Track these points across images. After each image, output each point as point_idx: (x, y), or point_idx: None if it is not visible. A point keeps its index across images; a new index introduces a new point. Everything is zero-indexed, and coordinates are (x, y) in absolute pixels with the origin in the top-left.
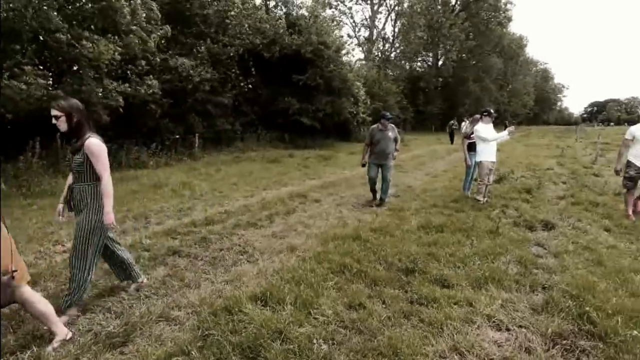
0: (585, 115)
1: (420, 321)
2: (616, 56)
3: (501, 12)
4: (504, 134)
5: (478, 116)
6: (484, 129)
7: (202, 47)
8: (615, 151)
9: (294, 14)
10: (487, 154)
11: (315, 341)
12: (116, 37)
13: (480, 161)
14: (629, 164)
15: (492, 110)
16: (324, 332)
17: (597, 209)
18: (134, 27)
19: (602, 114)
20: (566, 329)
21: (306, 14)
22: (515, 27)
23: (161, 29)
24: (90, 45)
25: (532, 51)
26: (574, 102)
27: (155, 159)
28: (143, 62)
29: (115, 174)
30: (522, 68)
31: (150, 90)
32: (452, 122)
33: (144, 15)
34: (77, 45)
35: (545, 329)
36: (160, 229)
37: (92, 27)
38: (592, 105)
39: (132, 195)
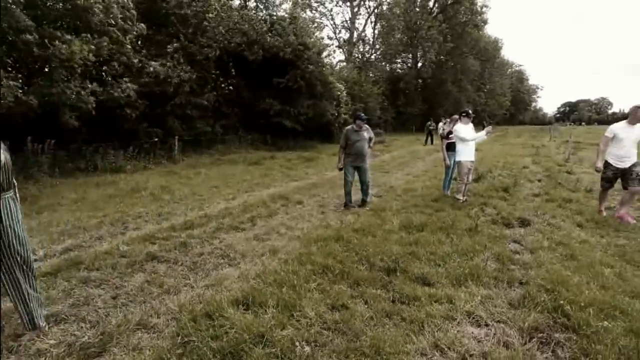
0: (558, 115)
1: (402, 320)
2: (586, 59)
3: (477, 15)
4: (482, 134)
5: (456, 117)
6: (463, 130)
7: (177, 46)
8: (586, 150)
9: (274, 16)
10: (466, 153)
11: (297, 344)
12: (89, 36)
13: (460, 161)
14: (607, 165)
15: (470, 111)
16: (307, 334)
17: (570, 205)
18: (110, 28)
19: (574, 113)
20: (542, 322)
21: (285, 15)
22: (491, 30)
23: (135, 30)
24: (63, 45)
25: (508, 53)
26: (548, 103)
27: (133, 162)
28: (116, 64)
29: (91, 178)
30: (498, 70)
31: (126, 93)
32: (429, 122)
33: (119, 14)
34: (49, 45)
35: (522, 323)
36: (138, 234)
37: (64, 26)
38: (565, 105)
39: (108, 200)
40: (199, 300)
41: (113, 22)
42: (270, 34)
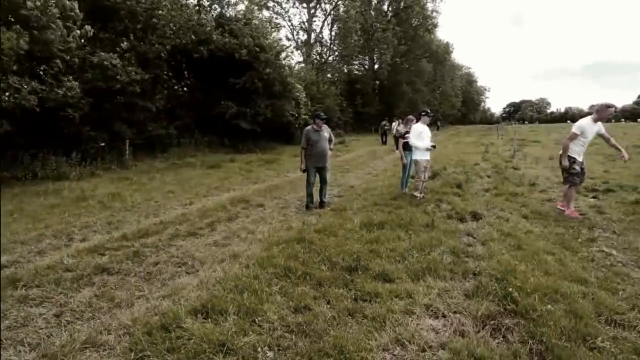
0: (504, 115)
1: (364, 317)
2: (527, 62)
3: (428, 19)
4: (427, 145)
5: (412, 117)
6: (413, 134)
7: (126, 45)
8: (529, 147)
9: (228, 15)
10: (422, 152)
11: (260, 349)
12: (19, 28)
13: (417, 160)
14: (573, 160)
15: (429, 111)
16: (270, 339)
17: (516, 198)
18: (52, 24)
19: (518, 113)
20: (493, 310)
21: (240, 15)
22: (441, 34)
23: (81, 28)
24: None
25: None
26: (495, 103)
27: (79, 169)
28: (59, 62)
29: (30, 187)
30: (449, 72)
31: (70, 93)
32: (384, 122)
33: (58, 11)
34: None
35: (476, 312)
36: (85, 246)
37: None
38: (510, 105)
39: (50, 210)
40: (154, 312)
41: (54, 19)
42: (222, 35)
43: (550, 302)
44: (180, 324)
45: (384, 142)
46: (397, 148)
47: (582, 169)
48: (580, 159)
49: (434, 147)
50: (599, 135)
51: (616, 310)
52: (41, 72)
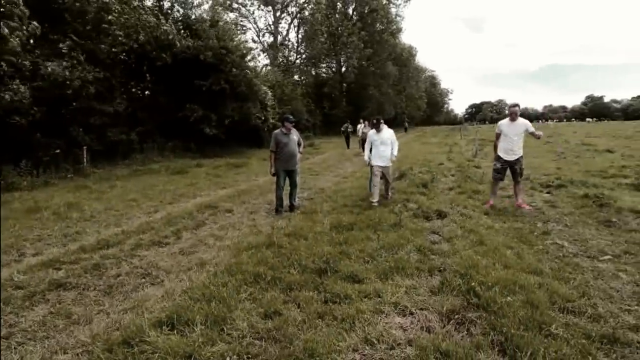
0: (467, 116)
1: (334, 319)
2: (487, 65)
3: (392, 24)
4: (381, 153)
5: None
6: (368, 139)
7: (70, 44)
8: (489, 146)
9: (192, 17)
10: (375, 158)
11: (228, 358)
12: None
13: (371, 165)
14: (497, 157)
15: (380, 119)
16: (239, 347)
17: (478, 196)
18: None
19: (479, 114)
20: (457, 304)
21: (205, 16)
22: (406, 39)
23: (25, 30)
24: None
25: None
26: (458, 105)
27: (31, 178)
28: (4, 65)
29: None
30: (413, 75)
31: (18, 97)
32: (346, 124)
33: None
34: None
35: (441, 307)
36: (38, 260)
37: None
38: (471, 107)
39: None
40: (115, 327)
41: None
42: (186, 38)
43: (509, 294)
44: (143, 337)
45: (347, 146)
46: (363, 150)
47: (506, 166)
48: (505, 156)
49: (392, 159)
50: (529, 133)
51: (568, 299)
52: None
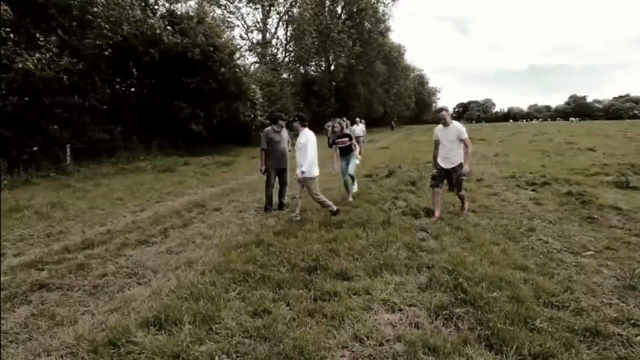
0: (454, 115)
1: (324, 316)
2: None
3: (381, 23)
4: (302, 161)
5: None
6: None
7: (54, 39)
8: (475, 144)
9: (179, 13)
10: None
11: (217, 358)
12: None
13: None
14: (435, 164)
15: (302, 115)
16: (228, 346)
17: (465, 193)
18: None
19: (466, 113)
20: (445, 300)
21: (192, 13)
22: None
23: None
24: None
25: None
26: (445, 103)
27: (12, 177)
28: None
29: None
30: (402, 74)
31: None
32: (330, 123)
33: None
34: None
35: (430, 303)
36: (20, 261)
37: None
38: (459, 106)
39: None
40: (101, 327)
41: None
42: (173, 35)
43: (495, 290)
44: (130, 338)
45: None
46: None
47: (443, 173)
48: (442, 163)
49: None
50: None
51: (552, 293)
52: None
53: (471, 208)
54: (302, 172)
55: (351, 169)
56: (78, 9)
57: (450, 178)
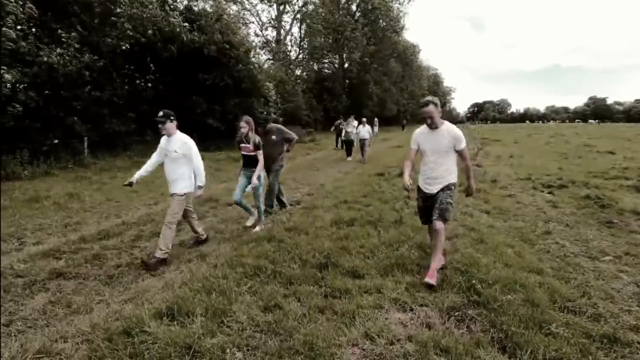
0: (469, 115)
1: (334, 313)
2: (490, 64)
3: (395, 21)
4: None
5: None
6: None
7: (74, 35)
8: (491, 145)
9: (196, 10)
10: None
11: (228, 350)
12: None
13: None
14: (418, 189)
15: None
16: (239, 339)
17: (479, 194)
18: None
19: (481, 113)
20: (458, 301)
21: (209, 10)
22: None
23: (21, 12)
24: None
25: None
26: (460, 103)
27: (32, 168)
28: None
29: None
30: (417, 73)
31: (7, 85)
32: (339, 121)
33: None
34: None
35: (442, 304)
36: (39, 250)
37: None
38: (474, 105)
39: None
40: (115, 317)
41: None
42: (188, 29)
43: (510, 292)
44: (143, 327)
45: (340, 146)
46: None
47: (427, 203)
48: (424, 186)
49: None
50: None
51: (569, 298)
52: None
53: (485, 209)
54: (200, 187)
55: (246, 190)
56: (99, 6)
57: (434, 204)
